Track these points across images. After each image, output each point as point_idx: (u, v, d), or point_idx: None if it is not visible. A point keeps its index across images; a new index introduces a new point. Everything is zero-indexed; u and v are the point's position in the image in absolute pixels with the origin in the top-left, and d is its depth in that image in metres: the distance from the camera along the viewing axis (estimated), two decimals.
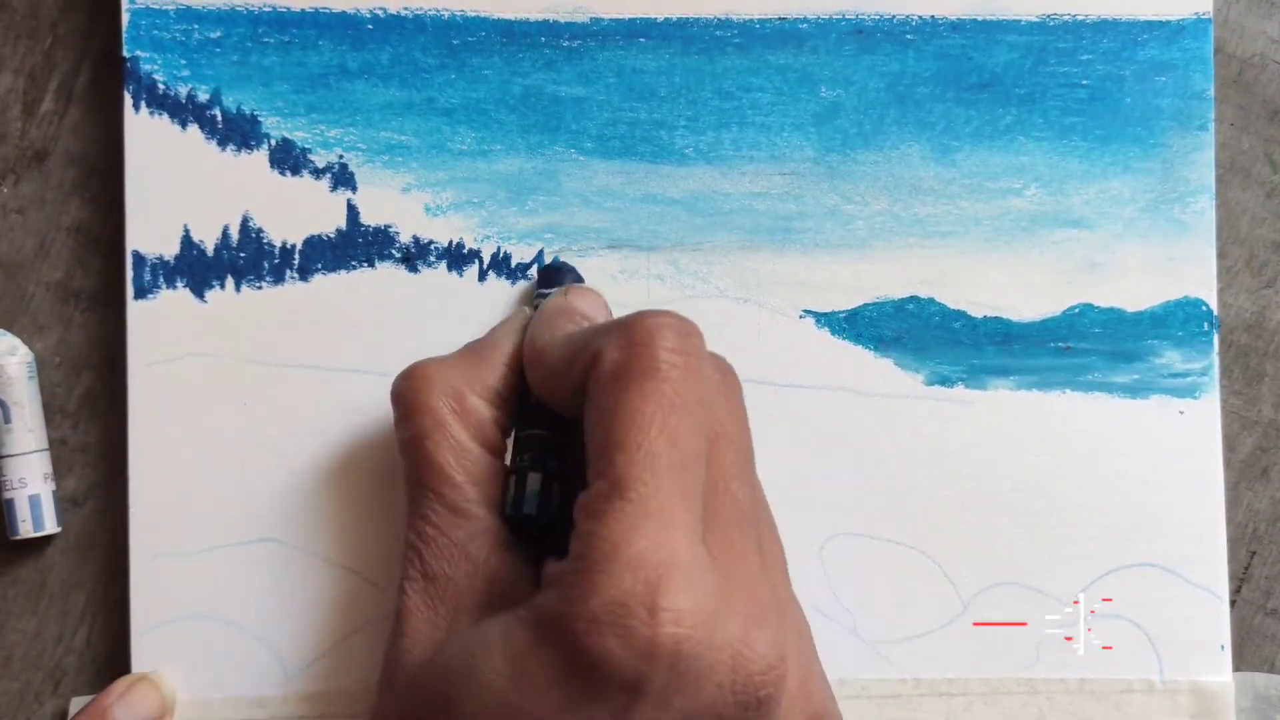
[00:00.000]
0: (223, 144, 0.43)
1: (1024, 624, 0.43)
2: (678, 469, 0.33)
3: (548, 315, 0.39)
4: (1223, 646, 0.43)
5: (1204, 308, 0.44)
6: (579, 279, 0.43)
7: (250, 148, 0.43)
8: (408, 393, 0.38)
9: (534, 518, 0.37)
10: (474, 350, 0.39)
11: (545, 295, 0.41)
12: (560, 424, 0.38)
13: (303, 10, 0.43)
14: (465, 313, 0.43)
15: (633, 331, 0.34)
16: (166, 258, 0.43)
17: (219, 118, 0.43)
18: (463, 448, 0.37)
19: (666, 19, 0.44)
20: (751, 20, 0.44)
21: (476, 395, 0.38)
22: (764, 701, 0.33)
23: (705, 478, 0.34)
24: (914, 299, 0.44)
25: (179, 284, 0.43)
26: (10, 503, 0.42)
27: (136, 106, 0.43)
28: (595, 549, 0.32)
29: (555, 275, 0.42)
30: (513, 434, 0.39)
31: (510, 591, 0.36)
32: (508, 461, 0.39)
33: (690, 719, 0.32)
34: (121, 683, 0.41)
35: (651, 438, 0.33)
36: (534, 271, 0.43)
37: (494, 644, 0.33)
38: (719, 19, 0.44)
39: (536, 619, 0.32)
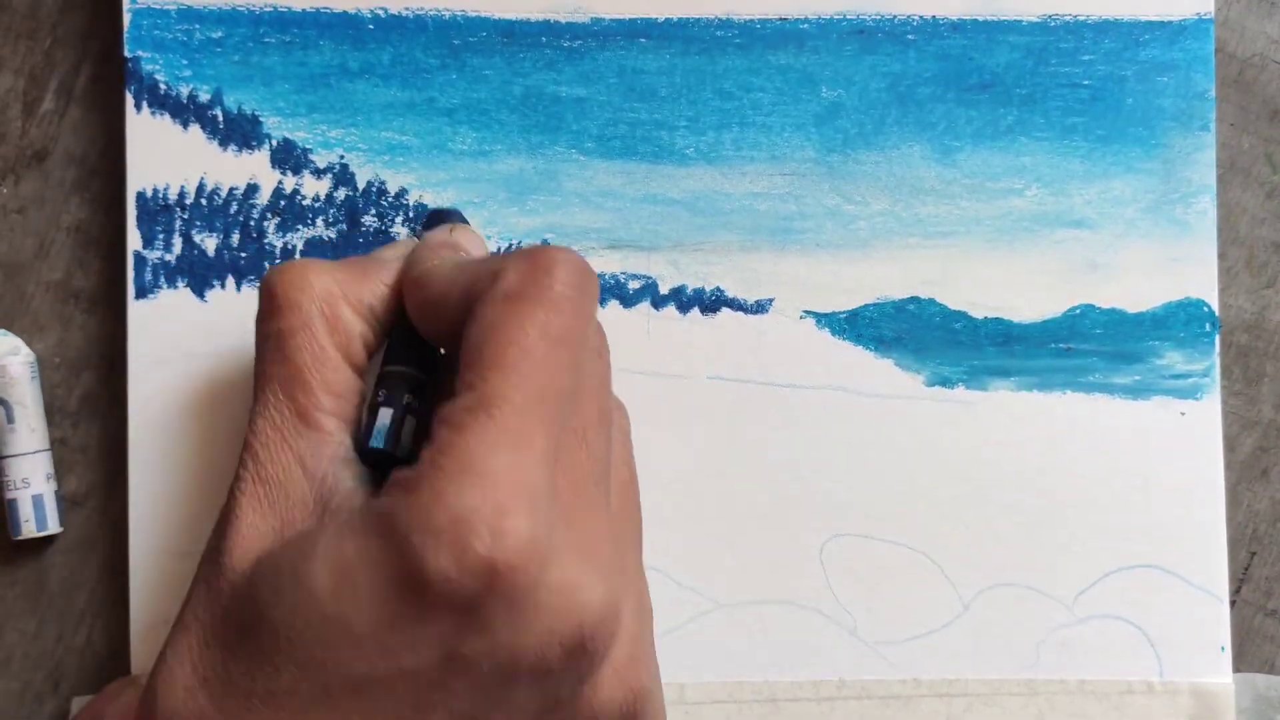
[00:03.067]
0: (224, 144, 0.43)
1: (1024, 625, 0.43)
2: (548, 400, 0.31)
3: (431, 245, 0.38)
4: (1223, 647, 0.43)
5: (1205, 308, 0.44)
6: (465, 223, 0.42)
7: (251, 148, 0.43)
8: (280, 286, 0.36)
9: (380, 452, 0.35)
10: (357, 263, 0.38)
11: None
12: (425, 366, 0.37)
13: (304, 10, 0.44)
14: None
15: (536, 258, 0.33)
16: (167, 258, 0.43)
17: (220, 118, 0.43)
18: (325, 355, 0.35)
19: (667, 19, 0.44)
20: (752, 20, 0.44)
21: (350, 307, 0.36)
22: (591, 655, 0.31)
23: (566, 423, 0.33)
24: (915, 299, 0.44)
25: (179, 284, 0.43)
26: (13, 503, 0.42)
27: (138, 106, 0.43)
28: (448, 458, 0.30)
29: (443, 218, 0.41)
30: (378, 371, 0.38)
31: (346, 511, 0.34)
32: (369, 392, 0.37)
33: (517, 661, 0.31)
34: (114, 687, 0.41)
35: (530, 362, 0.32)
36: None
37: (320, 552, 0.31)
38: (720, 19, 0.44)
39: (369, 525, 0.31)
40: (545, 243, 0.44)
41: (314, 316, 0.35)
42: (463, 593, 0.29)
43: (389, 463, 0.35)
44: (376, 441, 0.35)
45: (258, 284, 0.43)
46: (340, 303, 0.36)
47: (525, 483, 0.30)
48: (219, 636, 0.32)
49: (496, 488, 0.30)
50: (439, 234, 0.38)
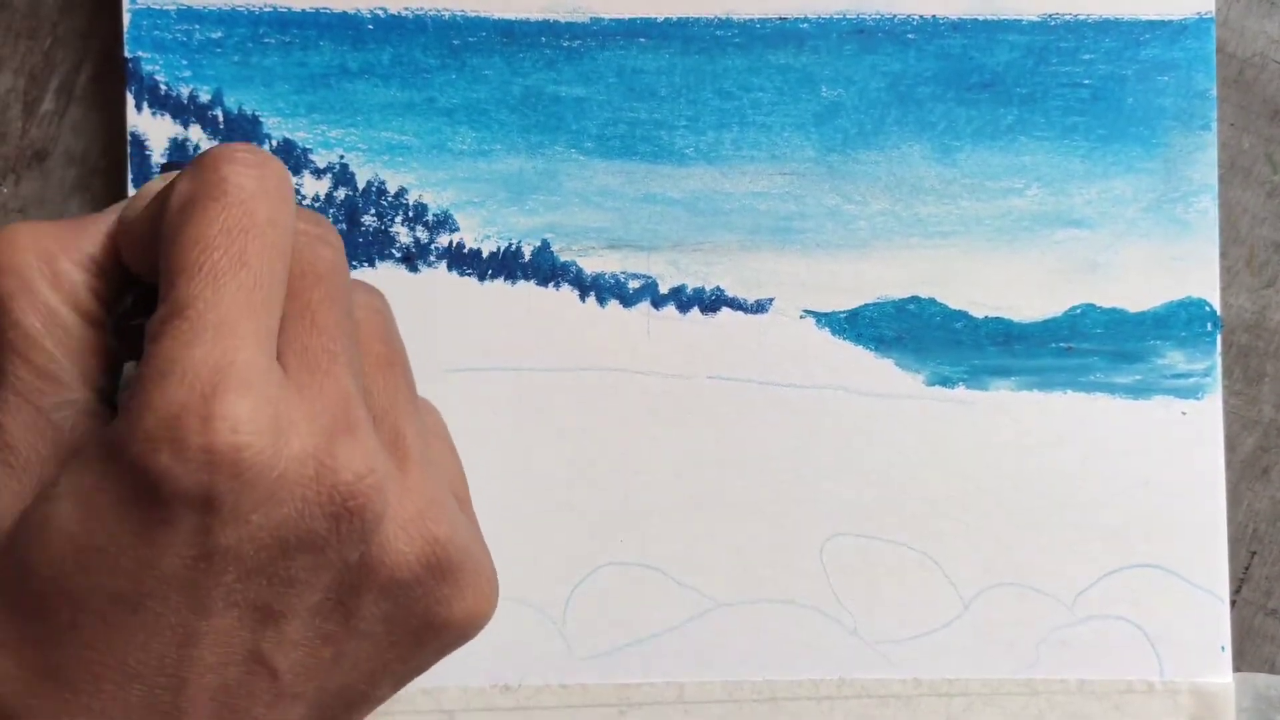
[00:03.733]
0: None
1: (1024, 624, 0.43)
2: (246, 287, 0.31)
3: (141, 194, 0.36)
4: (1223, 647, 0.43)
5: (1207, 308, 0.44)
6: None
7: None
8: None
9: None
10: (75, 218, 0.37)
11: None
12: None
13: (304, 10, 0.44)
14: (465, 313, 0.43)
15: (201, 160, 0.33)
16: None
17: (220, 118, 0.43)
18: (53, 313, 0.34)
19: (667, 19, 0.44)
20: (752, 20, 0.44)
21: (71, 261, 0.35)
22: (356, 512, 0.32)
23: (289, 309, 0.33)
24: (915, 299, 0.44)
25: None
26: None
27: (139, 107, 0.43)
28: (150, 367, 0.31)
29: (169, 170, 0.40)
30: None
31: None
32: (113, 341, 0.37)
33: (283, 539, 0.31)
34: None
35: (215, 259, 0.32)
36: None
37: (63, 490, 0.31)
38: (719, 19, 0.44)
39: (98, 453, 0.31)
40: (546, 243, 0.44)
41: (33, 276, 0.34)
42: (193, 486, 0.30)
43: None
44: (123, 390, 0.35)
45: None
46: (58, 258, 0.35)
47: (229, 366, 0.30)
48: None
49: (199, 377, 0.30)
50: (152, 182, 0.37)
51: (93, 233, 0.36)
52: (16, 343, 0.34)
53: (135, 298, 0.37)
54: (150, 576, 0.31)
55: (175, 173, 0.36)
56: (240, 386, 0.30)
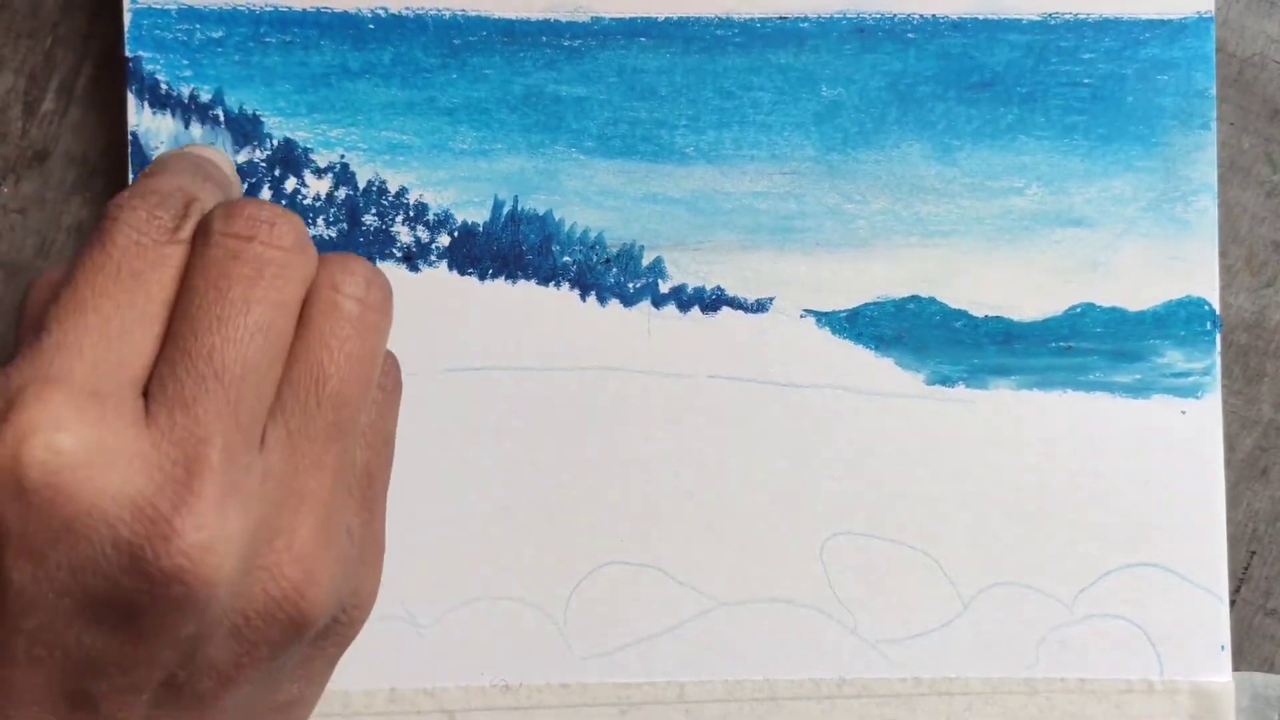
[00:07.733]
0: (225, 144, 0.43)
1: (1024, 624, 0.43)
2: (104, 314, 0.28)
3: None
4: (1222, 647, 0.43)
5: (1206, 307, 0.44)
6: None
7: (252, 147, 0.43)
8: None
9: None
10: None
11: None
12: None
13: (304, 10, 0.44)
14: (465, 313, 0.43)
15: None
16: None
17: (221, 117, 0.43)
18: None
19: (667, 18, 0.44)
20: (752, 19, 0.44)
21: None
22: (175, 577, 0.26)
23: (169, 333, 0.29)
24: (915, 298, 0.44)
25: None
26: None
27: (139, 106, 0.43)
28: None
29: None
30: None
31: None
32: None
33: (87, 587, 0.26)
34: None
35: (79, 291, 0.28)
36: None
37: None
38: (720, 18, 0.44)
39: None
40: (546, 243, 0.44)
41: None
42: None
43: None
44: None
45: None
46: None
47: (51, 380, 0.26)
48: None
49: (9, 383, 0.26)
50: None
51: None
52: None
53: None
54: None
55: None
56: (59, 404, 0.26)
